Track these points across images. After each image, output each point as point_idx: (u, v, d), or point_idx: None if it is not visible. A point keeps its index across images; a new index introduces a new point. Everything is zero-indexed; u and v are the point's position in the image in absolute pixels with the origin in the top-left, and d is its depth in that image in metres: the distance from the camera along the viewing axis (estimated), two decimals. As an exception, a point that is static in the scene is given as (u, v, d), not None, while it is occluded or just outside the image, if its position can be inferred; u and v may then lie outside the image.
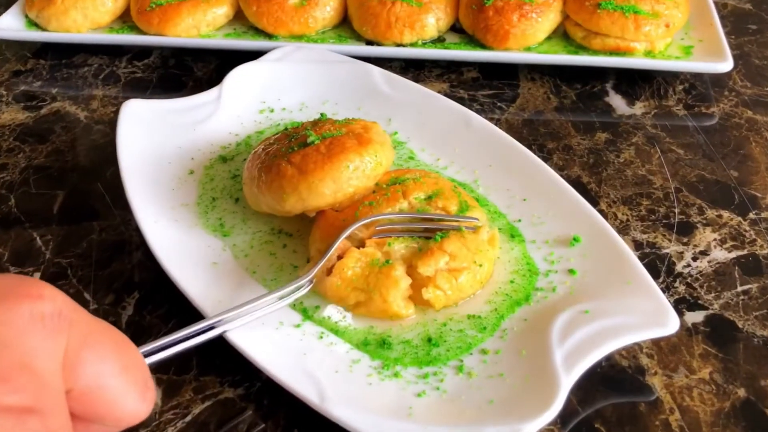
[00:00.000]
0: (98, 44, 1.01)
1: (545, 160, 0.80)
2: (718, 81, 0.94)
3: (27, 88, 0.95)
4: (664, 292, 0.61)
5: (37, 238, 0.73)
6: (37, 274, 0.69)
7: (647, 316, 0.58)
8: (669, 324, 0.57)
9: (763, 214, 0.75)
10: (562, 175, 0.73)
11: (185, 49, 0.99)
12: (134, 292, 0.67)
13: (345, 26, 1.01)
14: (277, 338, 0.59)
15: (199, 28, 0.98)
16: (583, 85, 0.94)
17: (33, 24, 1.01)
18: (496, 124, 0.81)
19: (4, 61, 1.00)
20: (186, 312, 0.63)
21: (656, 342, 0.62)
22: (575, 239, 0.67)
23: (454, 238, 0.64)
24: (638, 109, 0.90)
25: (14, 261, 0.71)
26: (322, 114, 0.74)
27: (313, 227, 0.68)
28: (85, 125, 0.88)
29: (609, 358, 0.61)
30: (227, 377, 0.60)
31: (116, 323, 0.64)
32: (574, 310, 0.60)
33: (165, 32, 0.97)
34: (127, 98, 0.92)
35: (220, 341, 0.57)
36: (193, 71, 0.97)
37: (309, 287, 0.60)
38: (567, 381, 0.54)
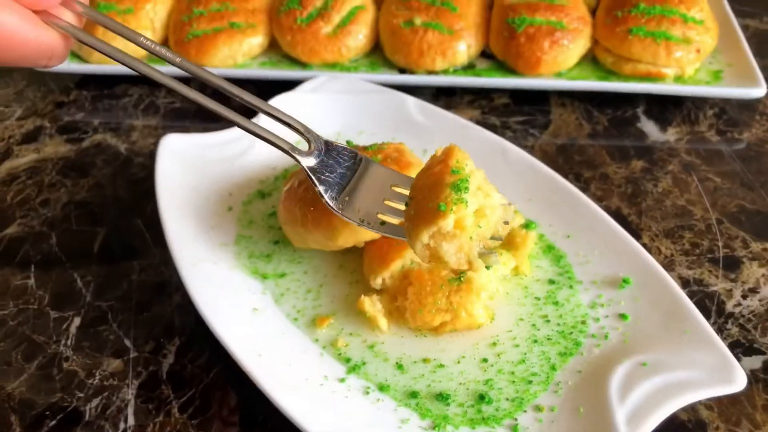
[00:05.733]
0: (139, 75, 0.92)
1: (583, 190, 0.70)
2: (747, 105, 0.84)
3: (70, 119, 0.86)
4: (717, 334, 0.51)
5: (78, 279, 0.64)
6: (78, 319, 0.61)
7: (712, 372, 0.49)
8: (736, 381, 0.48)
9: (810, 247, 0.65)
10: (601, 206, 0.64)
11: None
12: (175, 338, 0.59)
13: (377, 53, 0.91)
14: (322, 396, 0.50)
15: (236, 58, 0.89)
16: (615, 110, 0.84)
17: (75, 56, 0.93)
18: (529, 152, 0.71)
19: (48, 92, 0.91)
20: (227, 361, 0.54)
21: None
22: (625, 281, 0.57)
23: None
24: (671, 135, 0.80)
25: (54, 304, 0.62)
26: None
27: (365, 258, 0.59)
28: (125, 158, 0.79)
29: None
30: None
31: (157, 372, 0.56)
32: (632, 363, 0.51)
33: (203, 62, 0.88)
34: (166, 128, 0.84)
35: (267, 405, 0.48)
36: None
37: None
38: (632, 446, 0.45)
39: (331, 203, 0.51)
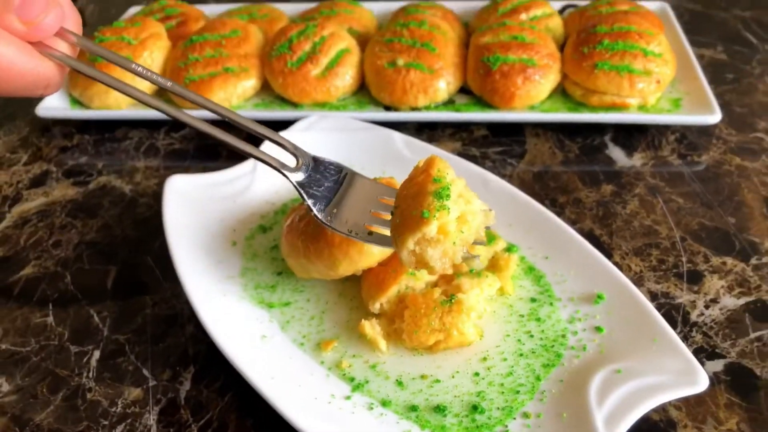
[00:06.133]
0: (138, 119, 0.97)
1: (559, 214, 0.76)
2: (706, 130, 0.91)
3: (74, 163, 0.91)
4: (683, 342, 0.57)
5: (94, 315, 0.69)
6: (97, 352, 0.65)
7: (678, 375, 0.54)
8: (699, 382, 0.54)
9: (764, 259, 0.71)
10: (576, 229, 0.70)
11: (220, 119, 0.95)
12: (190, 366, 0.63)
13: (363, 92, 0.97)
14: (331, 413, 0.55)
15: (231, 100, 0.94)
16: (584, 139, 0.91)
17: (77, 102, 0.97)
18: (508, 180, 0.77)
19: (51, 137, 0.96)
20: (240, 384, 0.59)
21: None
22: (599, 296, 0.63)
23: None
24: (637, 160, 0.87)
25: (74, 340, 0.66)
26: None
27: (363, 285, 0.64)
28: (130, 198, 0.84)
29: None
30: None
31: (175, 398, 0.60)
32: (607, 370, 0.56)
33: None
34: (167, 168, 0.89)
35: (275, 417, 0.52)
36: (222, 124, 0.93)
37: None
38: (610, 445, 0.50)
39: (319, 216, 0.55)
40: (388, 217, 0.55)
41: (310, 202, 0.55)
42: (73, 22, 0.48)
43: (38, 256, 0.76)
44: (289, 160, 0.56)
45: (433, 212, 0.50)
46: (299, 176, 0.55)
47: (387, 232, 0.54)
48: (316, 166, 0.57)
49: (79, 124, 0.98)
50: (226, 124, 0.55)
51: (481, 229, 0.54)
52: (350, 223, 0.55)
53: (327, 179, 0.57)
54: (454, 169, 0.56)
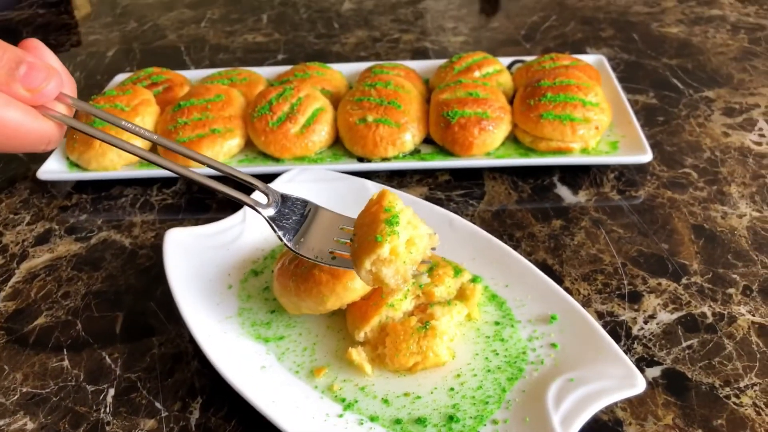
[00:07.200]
0: (132, 178, 1.05)
1: (515, 247, 0.86)
2: (641, 168, 1.03)
3: (75, 220, 0.98)
4: (626, 353, 0.67)
5: (106, 357, 0.76)
6: (112, 390, 0.72)
7: (620, 380, 0.63)
8: (637, 385, 0.63)
9: (693, 279, 0.82)
10: (531, 260, 0.80)
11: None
12: (197, 397, 0.70)
13: (338, 146, 1.07)
14: (327, 429, 0.63)
15: (217, 157, 1.03)
16: (535, 180, 1.02)
17: (74, 165, 1.05)
18: (470, 219, 0.87)
19: (51, 197, 1.03)
20: (244, 411, 0.66)
21: (628, 398, 0.67)
22: (553, 317, 0.73)
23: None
24: (582, 197, 0.98)
25: (89, 380, 0.73)
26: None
27: (348, 317, 0.73)
28: (130, 251, 0.92)
29: (593, 416, 0.66)
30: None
31: (187, 426, 0.67)
32: (562, 379, 0.65)
33: (188, 164, 1.01)
34: (162, 222, 0.97)
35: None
36: (214, 194, 1.02)
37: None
38: (566, 440, 0.59)
39: (289, 244, 0.64)
40: (348, 243, 0.65)
41: (280, 233, 0.65)
42: (69, 87, 0.56)
43: (49, 307, 0.83)
44: (262, 199, 0.66)
45: (385, 237, 0.60)
46: (270, 211, 0.65)
47: (347, 255, 0.64)
48: (285, 202, 0.67)
49: (76, 184, 1.06)
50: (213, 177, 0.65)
51: (428, 249, 0.64)
52: (316, 250, 0.65)
53: (294, 213, 0.67)
54: (411, 206, 0.66)
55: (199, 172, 0.66)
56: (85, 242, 0.94)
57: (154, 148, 1.05)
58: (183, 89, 1.18)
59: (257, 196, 0.70)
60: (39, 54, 0.54)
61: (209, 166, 0.64)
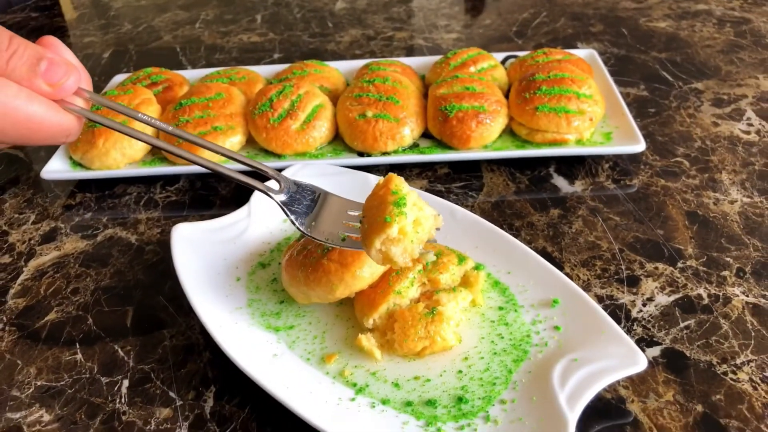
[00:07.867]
0: (136, 176, 1.06)
1: (516, 236, 0.88)
2: (634, 157, 1.05)
3: (80, 218, 0.99)
4: (627, 334, 0.69)
5: (119, 350, 0.77)
6: (126, 381, 0.73)
7: (622, 359, 0.66)
8: (639, 363, 0.65)
9: (688, 263, 0.84)
10: (531, 247, 0.82)
11: (209, 173, 1.05)
12: (211, 386, 0.72)
13: (338, 141, 1.09)
14: (340, 412, 0.65)
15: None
16: (532, 171, 1.04)
17: (77, 164, 1.06)
18: (471, 210, 0.89)
19: (55, 197, 1.04)
20: (257, 398, 0.68)
21: (630, 376, 0.70)
22: (555, 301, 0.75)
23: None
24: (578, 186, 1.00)
25: (104, 372, 0.74)
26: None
27: (357, 305, 0.75)
28: (137, 247, 0.93)
29: (597, 394, 0.68)
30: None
31: (202, 414, 0.69)
32: (566, 360, 0.67)
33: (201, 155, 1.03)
34: (167, 218, 0.98)
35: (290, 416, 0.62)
36: (218, 191, 1.03)
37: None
38: (572, 417, 0.61)
39: (301, 228, 0.67)
40: (358, 225, 0.67)
41: (293, 217, 0.67)
42: (85, 82, 0.59)
43: (59, 303, 0.84)
44: (274, 185, 0.69)
45: (393, 217, 0.62)
46: (282, 197, 0.68)
47: (357, 237, 0.67)
48: (296, 188, 0.69)
49: (79, 183, 1.07)
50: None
51: (433, 229, 0.66)
52: (326, 233, 0.67)
53: (305, 198, 0.69)
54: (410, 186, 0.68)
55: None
56: (91, 239, 0.95)
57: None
58: (182, 88, 1.19)
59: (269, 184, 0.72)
60: (57, 50, 0.55)
61: (223, 155, 0.67)
